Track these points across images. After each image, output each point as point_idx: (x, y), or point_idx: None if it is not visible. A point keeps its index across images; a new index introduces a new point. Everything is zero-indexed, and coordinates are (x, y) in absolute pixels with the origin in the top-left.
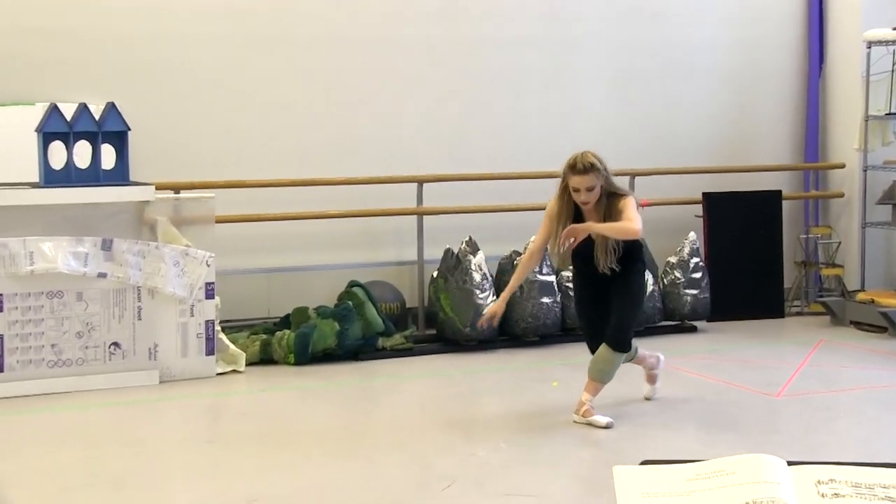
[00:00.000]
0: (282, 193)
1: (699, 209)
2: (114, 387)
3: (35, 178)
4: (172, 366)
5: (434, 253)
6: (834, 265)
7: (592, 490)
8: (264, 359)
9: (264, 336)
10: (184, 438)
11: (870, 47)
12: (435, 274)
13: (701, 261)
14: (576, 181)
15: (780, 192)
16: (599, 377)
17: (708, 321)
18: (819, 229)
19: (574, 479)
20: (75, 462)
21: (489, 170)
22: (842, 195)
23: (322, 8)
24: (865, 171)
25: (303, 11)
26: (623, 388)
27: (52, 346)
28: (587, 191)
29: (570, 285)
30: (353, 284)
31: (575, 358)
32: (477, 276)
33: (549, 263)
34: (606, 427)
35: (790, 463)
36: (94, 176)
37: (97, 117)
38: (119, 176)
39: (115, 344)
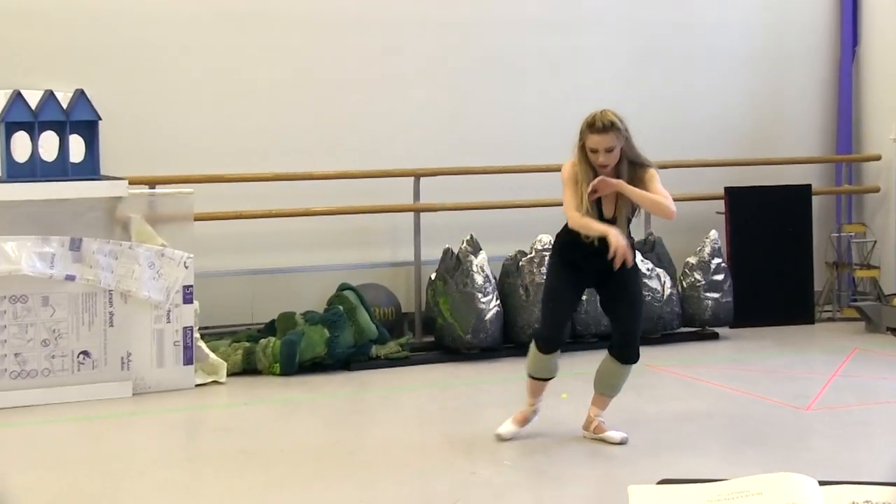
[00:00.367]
0: (267, 189)
1: (721, 205)
2: (83, 400)
3: None
4: (147, 377)
5: (432, 253)
6: (869, 266)
7: None
8: (247, 369)
9: (247, 344)
10: (159, 456)
11: None
12: (433, 276)
13: (723, 262)
14: (594, 140)
15: (809, 186)
16: (610, 392)
17: (731, 328)
18: (852, 227)
19: (585, 500)
20: (40, 483)
21: (492, 162)
22: (877, 190)
23: None
24: None
25: None
26: (638, 400)
27: (16, 355)
28: (606, 152)
29: None
30: (343, 287)
31: (586, 367)
32: (479, 279)
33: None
34: (621, 443)
35: (822, 482)
36: (61, 170)
37: (65, 105)
38: (88, 169)
39: (85, 353)
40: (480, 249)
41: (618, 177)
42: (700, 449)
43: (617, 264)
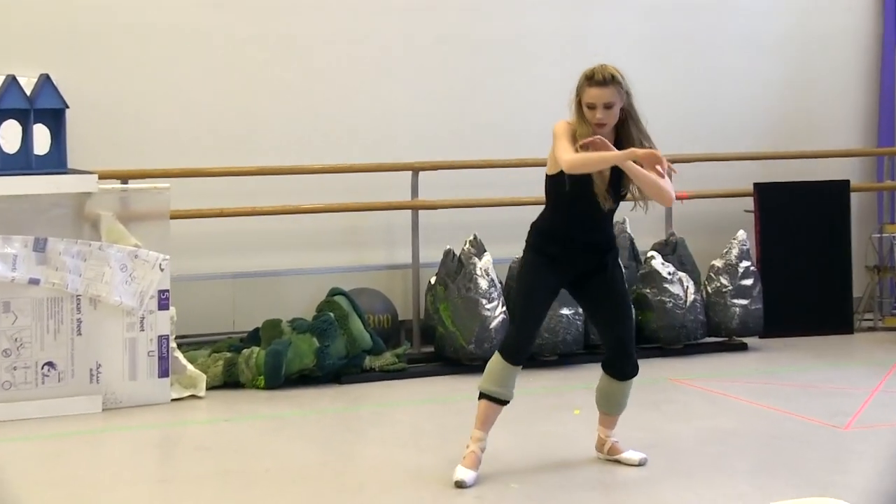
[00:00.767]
0: (250, 184)
1: (750, 203)
2: (47, 415)
3: None
4: (118, 390)
5: (432, 255)
6: None
7: None
8: (229, 382)
9: (229, 354)
10: (131, 478)
11: None
12: (433, 280)
13: (752, 265)
14: (592, 94)
15: (847, 182)
16: (615, 410)
17: (761, 337)
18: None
19: None
20: None
21: (498, 155)
22: None
23: None
24: None
25: None
26: (658, 417)
27: None
28: (604, 108)
29: None
30: (334, 293)
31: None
32: (483, 283)
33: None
34: (639, 465)
35: None
36: (24, 162)
37: (28, 92)
38: (54, 162)
39: (50, 364)
40: (485, 251)
41: (619, 146)
42: (727, 471)
43: (665, 167)
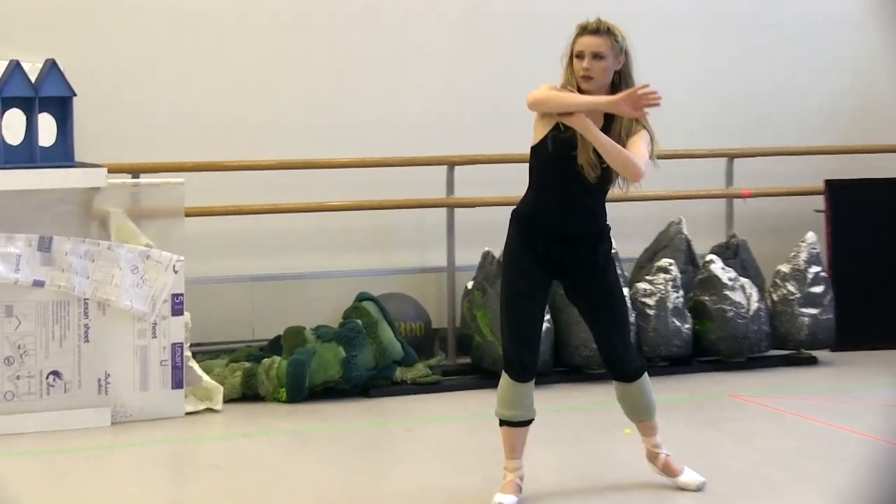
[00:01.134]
0: (271, 179)
1: (820, 202)
2: (52, 429)
3: None
4: (128, 402)
5: (468, 257)
6: None
7: None
8: (247, 394)
9: (247, 365)
10: (141, 498)
11: None
12: (469, 285)
13: (822, 271)
14: (582, 42)
15: None
16: (646, 415)
17: (832, 350)
18: None
19: None
20: None
21: None
22: None
23: None
24: None
25: None
26: (718, 437)
27: None
28: (593, 58)
29: (647, 301)
30: (362, 298)
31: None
32: None
33: (619, 272)
34: (697, 490)
35: None
36: (28, 155)
37: (33, 79)
38: (61, 155)
39: (55, 373)
40: None
41: (611, 122)
42: (792, 497)
43: (648, 100)
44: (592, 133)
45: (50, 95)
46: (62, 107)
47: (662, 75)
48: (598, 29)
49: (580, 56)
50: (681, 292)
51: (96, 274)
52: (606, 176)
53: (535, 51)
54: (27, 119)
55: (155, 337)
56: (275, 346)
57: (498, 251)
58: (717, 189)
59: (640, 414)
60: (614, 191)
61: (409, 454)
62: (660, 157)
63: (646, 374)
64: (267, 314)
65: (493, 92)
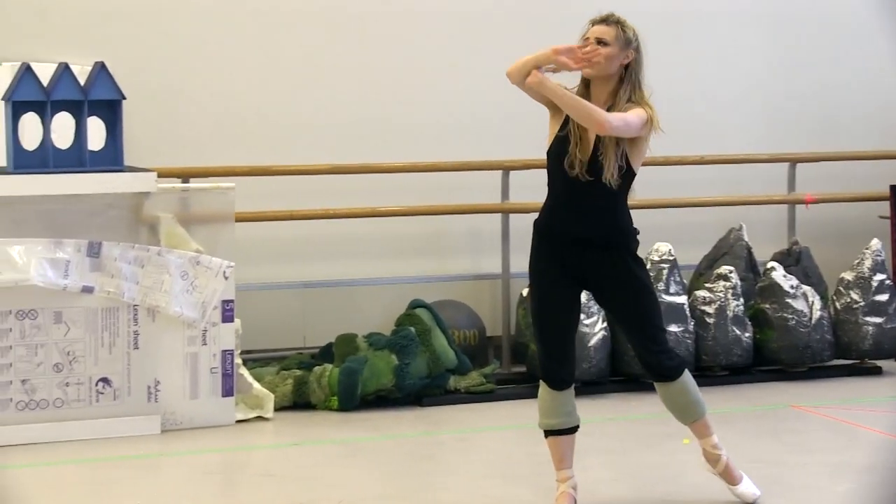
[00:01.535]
0: (322, 184)
1: (885, 208)
2: (101, 437)
3: (1, 162)
4: (178, 410)
5: (523, 264)
6: None
7: None
8: (298, 402)
9: (299, 372)
10: None
11: None
12: (525, 292)
13: (888, 278)
14: (590, 31)
15: None
16: (692, 415)
17: None
18: None
19: None
20: None
21: None
22: None
23: None
24: None
25: None
26: (778, 448)
27: (23, 382)
28: (596, 42)
29: (707, 309)
30: (415, 305)
31: (716, 406)
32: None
33: (677, 279)
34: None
35: None
36: (77, 159)
37: (82, 82)
38: (110, 159)
39: (104, 380)
40: None
41: (610, 110)
42: None
43: (588, 57)
44: (549, 87)
45: (99, 99)
46: (111, 110)
47: (723, 77)
48: (607, 19)
49: (586, 39)
50: (741, 300)
51: (146, 280)
52: (597, 172)
53: None
54: (76, 123)
55: (205, 344)
56: (326, 354)
57: None
58: (778, 195)
59: (688, 414)
60: (669, 197)
61: (461, 464)
62: (720, 162)
63: (686, 371)
64: (318, 321)
65: None
